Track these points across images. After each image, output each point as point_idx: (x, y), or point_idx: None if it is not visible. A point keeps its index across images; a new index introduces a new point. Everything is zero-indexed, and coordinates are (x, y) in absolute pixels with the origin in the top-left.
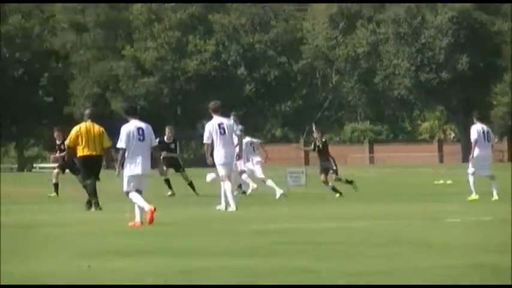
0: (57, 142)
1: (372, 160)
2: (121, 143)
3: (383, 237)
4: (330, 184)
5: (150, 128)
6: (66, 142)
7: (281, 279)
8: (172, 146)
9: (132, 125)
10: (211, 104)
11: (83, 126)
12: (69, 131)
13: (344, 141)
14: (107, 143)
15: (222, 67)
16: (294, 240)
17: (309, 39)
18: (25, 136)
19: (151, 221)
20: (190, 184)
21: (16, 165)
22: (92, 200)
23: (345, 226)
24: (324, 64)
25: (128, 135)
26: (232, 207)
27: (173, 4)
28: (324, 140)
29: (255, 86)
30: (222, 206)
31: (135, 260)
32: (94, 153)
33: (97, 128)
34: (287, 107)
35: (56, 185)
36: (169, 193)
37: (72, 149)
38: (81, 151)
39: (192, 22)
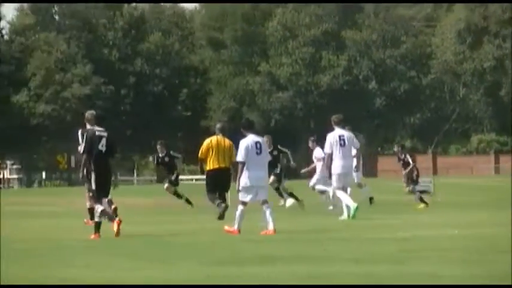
0: (160, 155)
1: (497, 170)
2: (240, 157)
3: (505, 244)
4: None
5: (265, 142)
6: (199, 154)
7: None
8: (275, 153)
9: (250, 139)
10: (335, 117)
11: (214, 139)
12: (201, 143)
13: (470, 152)
14: (235, 157)
15: (354, 81)
16: (419, 248)
17: (437, 54)
18: None
19: (229, 233)
20: (291, 194)
21: (155, 177)
22: (221, 209)
23: (469, 233)
24: (452, 78)
25: (247, 149)
26: (352, 205)
27: (307, 21)
28: (406, 154)
29: (386, 100)
30: (345, 216)
31: (265, 266)
32: (223, 165)
33: (227, 142)
34: (416, 119)
35: (183, 198)
36: (298, 204)
37: (203, 161)
38: (211, 164)
39: (325, 38)
